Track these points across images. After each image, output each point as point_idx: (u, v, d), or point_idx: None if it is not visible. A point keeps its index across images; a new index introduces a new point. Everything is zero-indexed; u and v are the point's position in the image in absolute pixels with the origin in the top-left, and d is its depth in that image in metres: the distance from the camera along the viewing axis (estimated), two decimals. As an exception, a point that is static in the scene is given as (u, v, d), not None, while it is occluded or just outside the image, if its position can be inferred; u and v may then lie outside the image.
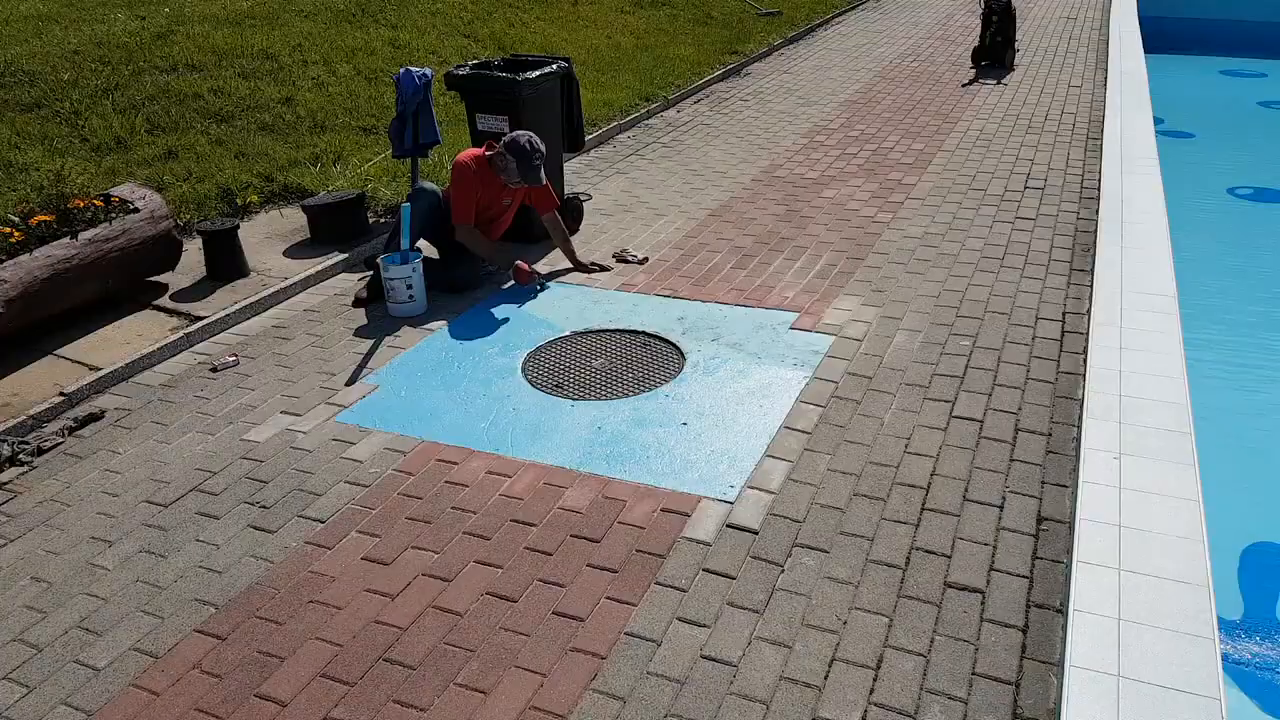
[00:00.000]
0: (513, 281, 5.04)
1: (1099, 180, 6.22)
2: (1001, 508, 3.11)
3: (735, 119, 8.49)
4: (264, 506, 3.27)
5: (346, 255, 5.43)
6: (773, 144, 7.65)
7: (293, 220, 5.92)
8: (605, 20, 11.39)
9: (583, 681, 2.48)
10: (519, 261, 5.02)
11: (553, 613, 2.72)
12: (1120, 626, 2.49)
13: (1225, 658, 3.32)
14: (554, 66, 5.54)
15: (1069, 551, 2.85)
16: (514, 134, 4.82)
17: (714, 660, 2.55)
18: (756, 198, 6.38)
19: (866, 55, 11.00)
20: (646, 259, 5.33)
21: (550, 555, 2.95)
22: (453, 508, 3.20)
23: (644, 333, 4.44)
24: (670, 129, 8.24)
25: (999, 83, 9.38)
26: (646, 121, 8.46)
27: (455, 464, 3.44)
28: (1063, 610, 2.63)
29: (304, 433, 3.71)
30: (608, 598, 2.77)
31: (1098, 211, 5.60)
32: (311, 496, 3.30)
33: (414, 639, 2.65)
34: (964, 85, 9.36)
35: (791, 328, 4.44)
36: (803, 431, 3.60)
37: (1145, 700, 2.26)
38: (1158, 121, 7.69)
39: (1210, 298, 5.54)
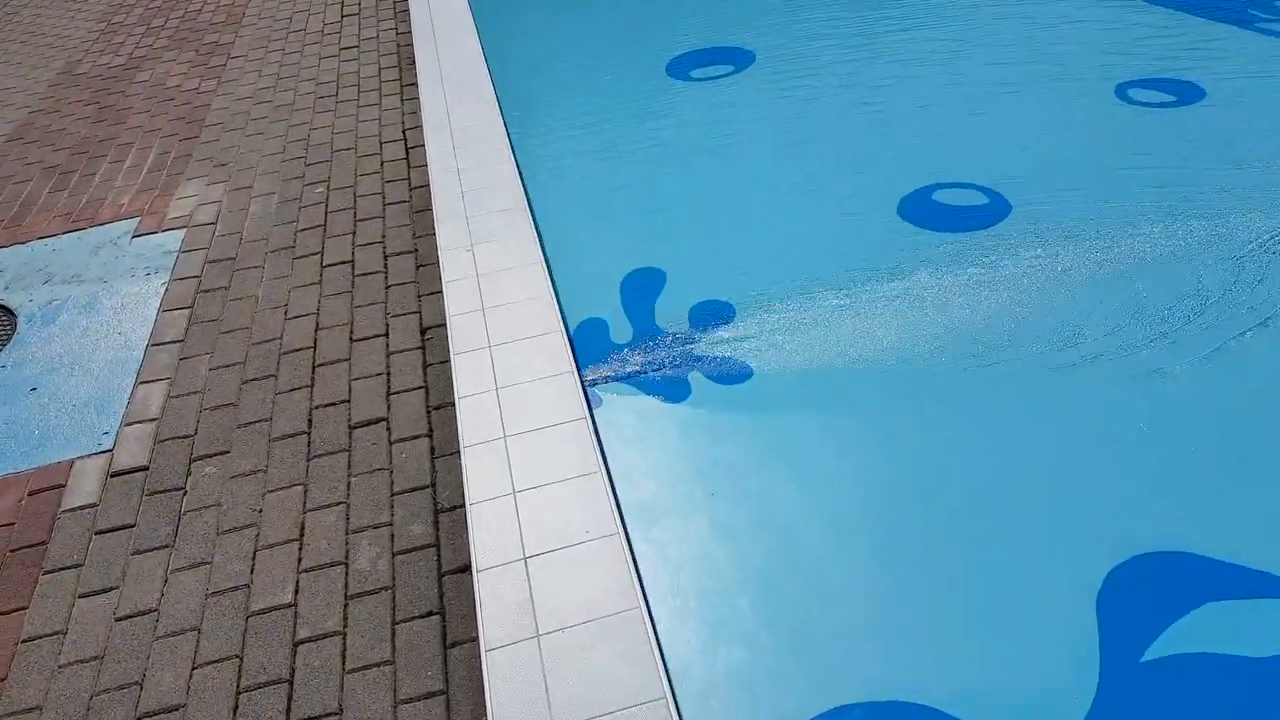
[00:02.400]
0: None
1: (410, -7, 6.30)
2: (388, 335, 3.16)
3: (3, 21, 6.99)
4: None
5: None
6: (63, 39, 6.48)
7: None
8: None
9: (-32, 725, 2.08)
10: None
11: (-95, 674, 2.21)
12: (499, 395, 2.71)
13: (615, 378, 3.82)
14: None
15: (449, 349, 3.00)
16: None
17: (131, 616, 2.30)
18: (60, 105, 5.41)
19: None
20: (-75, 217, 4.28)
21: (-119, 612, 2.37)
22: None
23: (-54, 306, 3.62)
24: (-84, 51, 6.54)
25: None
26: (-121, 49, 6.61)
27: None
28: (454, 403, 2.79)
29: None
30: (-21, 620, 2.32)
31: (411, 24, 5.68)
32: None
33: None
34: (264, -75, 8.70)
35: (135, 236, 3.94)
36: (174, 342, 3.26)
37: (530, 445, 2.52)
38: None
39: (536, 69, 6.00)
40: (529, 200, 3.63)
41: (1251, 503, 2.52)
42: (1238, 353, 3.00)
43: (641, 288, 4.64)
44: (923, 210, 4.35)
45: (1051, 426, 2.86)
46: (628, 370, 4.05)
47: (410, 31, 5.58)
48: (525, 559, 2.18)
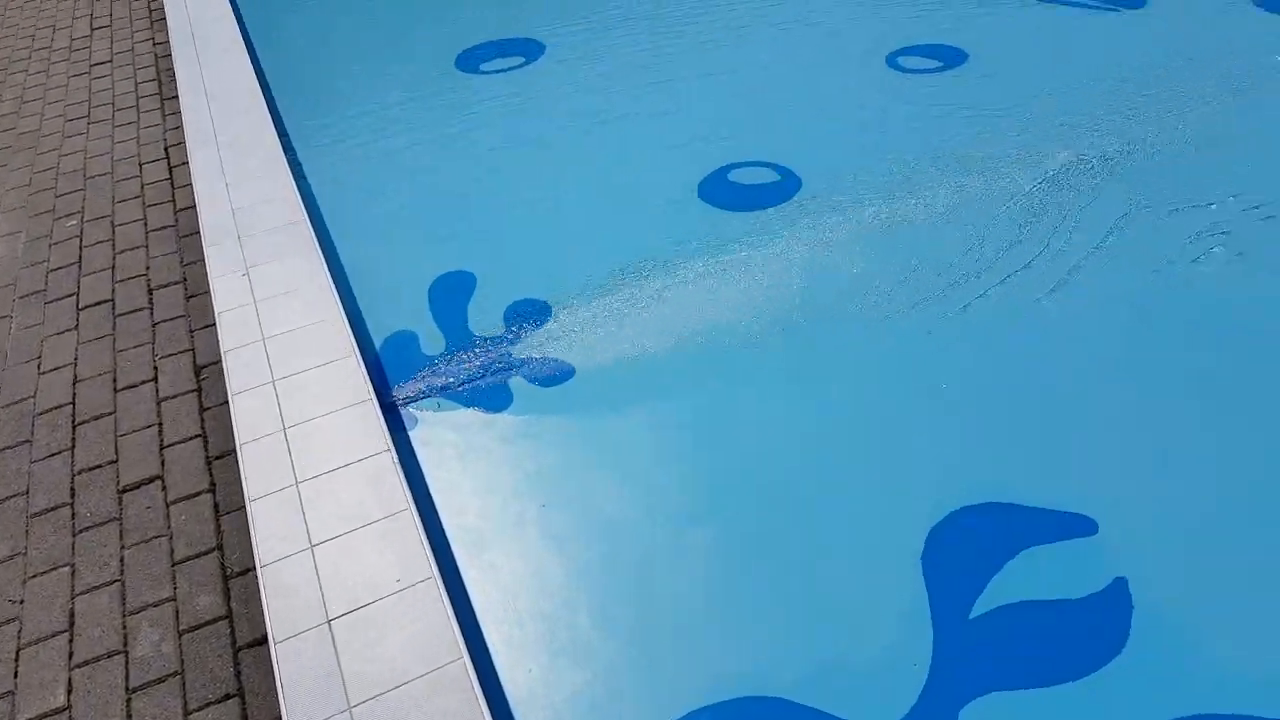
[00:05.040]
0: None
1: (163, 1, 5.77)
2: (157, 379, 2.84)
3: None
4: None
5: None
6: None
7: None
8: None
9: None
10: None
11: None
12: (287, 436, 2.48)
13: (430, 393, 3.61)
14: None
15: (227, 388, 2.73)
16: None
17: None
18: None
19: None
20: None
21: None
22: None
23: None
24: None
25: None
26: None
27: None
28: (235, 451, 2.53)
29: None
30: None
31: (169, 33, 5.20)
32: None
33: None
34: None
35: None
36: (-98, 416, 2.82)
37: (327, 489, 2.31)
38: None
39: (316, 71, 5.63)
40: (317, 212, 3.37)
41: (1055, 445, 2.64)
42: (1020, 299, 3.15)
43: (451, 293, 4.40)
44: (721, 191, 4.36)
45: (859, 391, 2.91)
46: (443, 383, 3.84)
47: (169, 42, 5.10)
48: (329, 622, 1.98)
